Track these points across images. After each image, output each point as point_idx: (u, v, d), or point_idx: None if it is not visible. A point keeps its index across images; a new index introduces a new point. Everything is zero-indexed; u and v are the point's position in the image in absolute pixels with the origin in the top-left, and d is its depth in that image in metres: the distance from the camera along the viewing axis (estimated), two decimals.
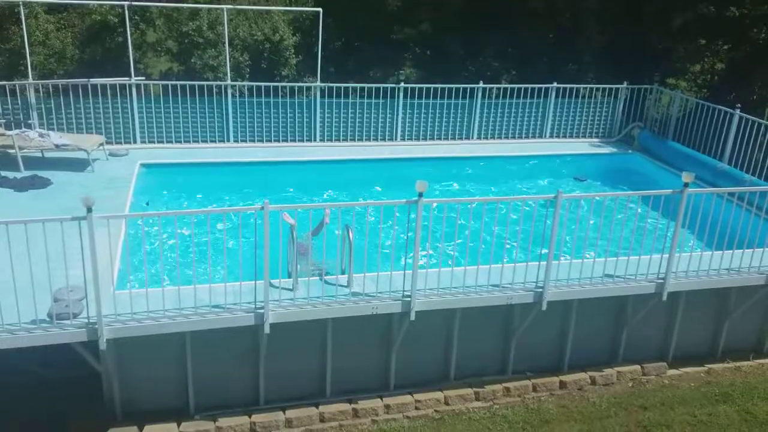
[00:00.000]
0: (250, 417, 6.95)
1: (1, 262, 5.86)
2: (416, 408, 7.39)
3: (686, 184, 7.30)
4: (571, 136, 14.30)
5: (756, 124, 11.10)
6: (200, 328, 6.44)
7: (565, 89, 13.81)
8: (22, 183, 9.85)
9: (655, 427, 7.20)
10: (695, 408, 7.56)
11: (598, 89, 14.36)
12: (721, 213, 8.01)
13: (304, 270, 7.17)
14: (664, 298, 7.71)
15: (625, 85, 13.99)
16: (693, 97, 14.49)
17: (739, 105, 11.80)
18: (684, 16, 15.34)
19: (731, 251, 7.98)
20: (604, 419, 7.33)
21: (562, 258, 7.94)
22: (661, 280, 7.65)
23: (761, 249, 8.12)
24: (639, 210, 9.06)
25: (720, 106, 11.97)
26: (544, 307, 7.32)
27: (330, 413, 7.12)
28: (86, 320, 6.17)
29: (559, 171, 13.32)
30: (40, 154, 10.84)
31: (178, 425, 6.74)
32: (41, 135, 10.83)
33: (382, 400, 7.35)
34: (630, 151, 13.84)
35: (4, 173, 10.08)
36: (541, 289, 7.28)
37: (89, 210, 5.76)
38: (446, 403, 7.50)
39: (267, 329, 6.52)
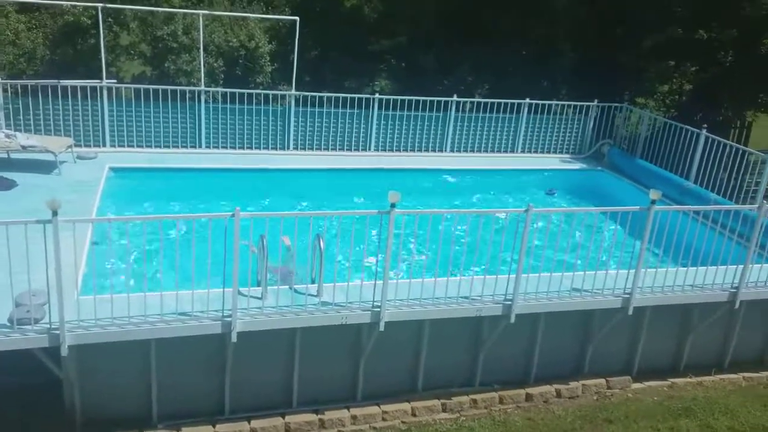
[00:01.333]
0: (214, 427, 6.85)
1: None
2: (383, 419, 7.37)
3: (653, 201, 7.43)
4: (542, 152, 14.48)
5: (722, 144, 11.37)
6: (166, 335, 6.36)
7: (537, 105, 14.00)
8: None
9: None
10: (658, 422, 7.66)
11: (569, 106, 14.60)
12: (686, 230, 8.17)
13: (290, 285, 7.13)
14: (630, 312, 7.82)
15: (595, 102, 14.23)
16: (661, 117, 14.78)
17: (705, 125, 12.08)
18: (654, 38, 15.70)
19: (695, 268, 8.14)
20: None
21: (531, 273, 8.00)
22: (627, 295, 7.76)
23: (724, 266, 8.29)
24: (606, 226, 9.20)
25: (687, 126, 12.24)
26: (513, 319, 7.37)
27: (296, 424, 7.06)
28: (48, 326, 6.04)
29: (529, 185, 13.47)
30: (5, 155, 10.62)
31: None
32: (8, 135, 10.62)
33: (349, 410, 7.32)
34: (599, 168, 14.06)
35: None
36: (510, 302, 7.33)
37: (55, 213, 5.65)
38: (413, 415, 7.49)
39: (234, 338, 6.46)
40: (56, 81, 11.59)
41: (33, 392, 6.77)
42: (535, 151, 14.44)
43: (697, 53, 16.15)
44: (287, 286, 7.13)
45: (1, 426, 6.56)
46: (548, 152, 14.51)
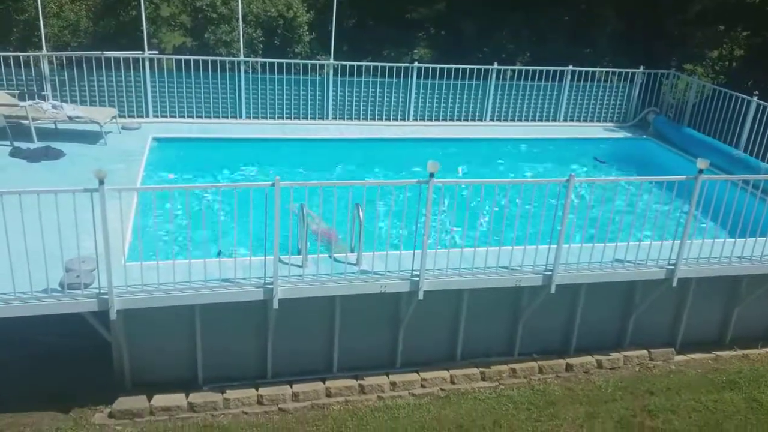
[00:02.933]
0: (257, 389, 7.02)
1: (14, 231, 5.89)
2: (422, 386, 7.43)
3: (701, 171, 7.24)
4: (585, 120, 14.18)
5: None
6: (209, 301, 6.49)
7: (580, 72, 13.66)
8: (35, 154, 9.90)
9: (660, 412, 7.21)
10: (701, 394, 7.56)
11: (613, 73, 14.21)
12: (735, 200, 7.94)
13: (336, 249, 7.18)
14: (674, 284, 7.68)
15: (641, 69, 13.83)
16: (710, 83, 14.30)
17: (756, 92, 11.65)
18: (702, 2, 15.14)
19: (743, 239, 7.92)
20: (609, 402, 7.35)
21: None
22: (672, 266, 7.61)
23: None
24: (652, 196, 9.00)
25: (737, 93, 11.82)
26: (553, 290, 7.31)
27: (336, 388, 7.18)
28: (97, 291, 6.22)
29: (572, 154, 13.22)
30: (53, 126, 10.88)
31: (187, 396, 6.82)
32: (54, 107, 10.85)
33: (388, 377, 7.40)
34: (644, 137, 13.71)
35: (17, 144, 10.13)
36: (550, 272, 7.26)
37: (101, 182, 5.79)
38: (452, 382, 7.54)
39: (276, 305, 6.56)
40: (100, 53, 11.77)
41: (83, 355, 7.01)
42: (578, 120, 14.15)
43: (747, 17, 15.52)
44: (331, 249, 7.15)
45: (56, 386, 6.82)
46: (592, 121, 14.20)
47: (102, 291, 6.19)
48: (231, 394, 6.90)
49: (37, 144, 10.25)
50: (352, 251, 7.33)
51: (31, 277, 6.02)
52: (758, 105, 11.37)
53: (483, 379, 7.64)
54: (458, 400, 7.26)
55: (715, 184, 7.95)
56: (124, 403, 6.66)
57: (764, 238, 8.00)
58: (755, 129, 11.34)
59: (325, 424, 6.72)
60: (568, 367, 7.93)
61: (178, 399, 6.76)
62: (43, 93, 11.44)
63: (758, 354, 8.56)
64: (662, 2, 16.05)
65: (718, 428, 7.00)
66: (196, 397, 6.81)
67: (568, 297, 7.86)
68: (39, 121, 10.57)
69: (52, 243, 6.04)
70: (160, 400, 6.72)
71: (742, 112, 11.66)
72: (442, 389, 7.44)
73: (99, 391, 6.75)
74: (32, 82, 11.48)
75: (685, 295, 8.29)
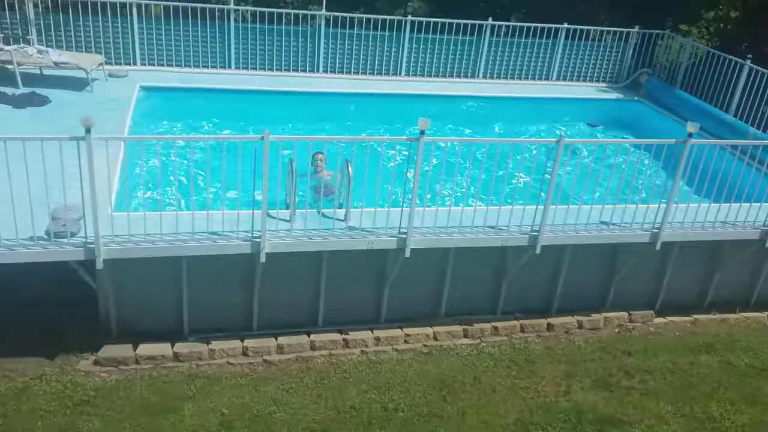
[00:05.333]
0: (242, 341, 7.11)
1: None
2: (405, 342, 7.56)
3: (690, 135, 7.24)
4: (578, 80, 14.10)
5: (766, 76, 10.93)
6: (196, 253, 6.51)
7: (575, 31, 13.51)
8: (20, 100, 9.73)
9: (636, 372, 7.39)
10: (677, 356, 7.75)
11: (608, 32, 14.05)
12: (722, 165, 7.98)
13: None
14: (658, 247, 7.77)
15: (636, 29, 13.69)
16: (704, 45, 14.19)
17: (749, 56, 11.59)
18: None
19: (728, 204, 7.99)
20: (587, 362, 7.51)
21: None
22: (656, 230, 7.69)
23: (758, 204, 8.13)
24: (640, 158, 9.02)
25: (730, 56, 11.76)
26: (538, 250, 7.38)
27: (321, 342, 7.29)
28: (84, 239, 6.22)
29: (564, 114, 13.19)
30: (38, 71, 10.68)
31: (172, 346, 6.90)
32: (40, 51, 10.62)
33: (372, 332, 7.51)
34: (636, 98, 13.68)
35: (2, 89, 9.94)
36: (536, 233, 7.32)
37: (88, 131, 5.72)
38: (435, 339, 7.67)
39: (263, 258, 6.59)
40: None
41: (70, 303, 7.04)
42: (571, 79, 14.07)
43: None
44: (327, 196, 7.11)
45: (41, 333, 6.88)
46: (584, 81, 14.13)
47: (88, 240, 6.19)
48: (216, 344, 7.00)
49: (22, 90, 10.08)
50: (340, 207, 7.34)
51: (17, 224, 5.99)
52: (751, 69, 11.33)
53: (465, 336, 7.78)
54: (440, 356, 7.40)
55: (703, 147, 7.97)
56: (109, 351, 6.74)
57: (748, 204, 8.07)
58: (746, 93, 11.32)
59: (308, 376, 6.84)
60: (549, 327, 8.07)
61: (163, 348, 6.84)
62: (28, 37, 11.18)
63: (736, 318, 8.74)
64: None
65: (691, 389, 7.19)
66: (181, 347, 6.90)
67: (552, 258, 7.94)
68: (24, 67, 10.36)
69: (39, 191, 5.99)
70: (145, 349, 6.80)
71: (735, 76, 11.62)
72: (425, 345, 7.58)
73: (85, 339, 6.81)
74: (17, 25, 11.21)
75: (667, 259, 8.40)
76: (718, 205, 7.97)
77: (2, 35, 10.86)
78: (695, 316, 8.68)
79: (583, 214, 7.58)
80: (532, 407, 6.69)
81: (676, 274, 8.54)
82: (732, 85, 11.68)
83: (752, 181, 8.13)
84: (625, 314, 8.39)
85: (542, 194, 7.20)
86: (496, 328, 7.87)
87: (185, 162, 8.22)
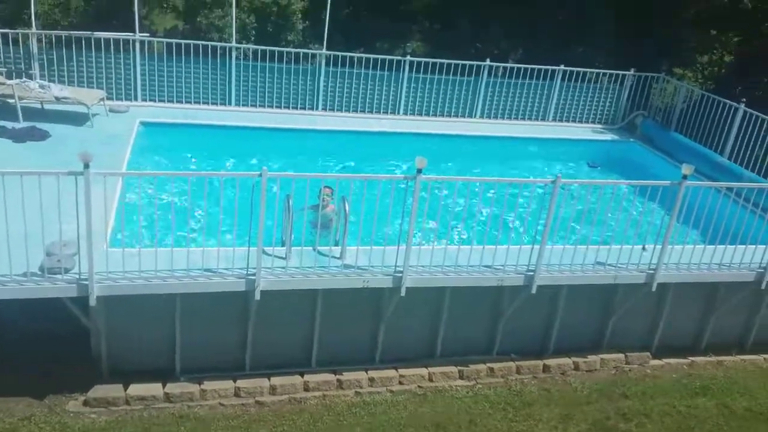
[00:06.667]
0: (235, 382, 7.03)
1: None
2: (400, 383, 7.48)
3: (685, 176, 7.29)
4: (574, 121, 14.24)
5: (759, 119, 11.05)
6: (191, 290, 6.48)
7: (571, 72, 13.70)
8: (21, 134, 9.80)
9: (634, 415, 7.30)
10: (675, 399, 7.67)
11: (604, 74, 14.25)
12: (717, 207, 8.02)
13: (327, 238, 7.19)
14: (653, 288, 7.76)
15: (632, 72, 13.89)
16: (698, 88, 14.38)
17: (744, 99, 11.74)
18: (697, 5, 15.18)
19: (723, 246, 8.01)
20: (584, 405, 7.43)
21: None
22: (652, 271, 7.69)
23: (753, 246, 8.15)
24: (635, 200, 9.07)
25: (725, 100, 11.91)
26: (534, 290, 7.36)
27: (315, 383, 7.20)
28: (77, 276, 6.19)
29: (561, 154, 13.28)
30: (39, 106, 10.76)
31: (164, 386, 6.82)
32: (42, 86, 10.74)
33: (366, 373, 7.44)
34: (632, 140, 13.80)
35: (2, 123, 10.02)
36: (532, 273, 7.31)
37: (86, 165, 5.73)
38: (430, 380, 7.59)
39: (257, 296, 6.56)
40: (90, 33, 11.62)
41: (61, 340, 6.96)
42: (567, 120, 14.21)
43: (740, 23, 15.59)
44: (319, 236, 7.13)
45: (31, 371, 6.79)
46: (580, 122, 14.27)
47: (82, 276, 6.16)
48: (208, 385, 6.91)
49: (22, 123, 10.15)
50: (336, 245, 7.34)
51: (11, 259, 5.97)
52: (745, 112, 11.46)
53: (461, 378, 7.70)
54: (435, 398, 7.32)
55: (698, 190, 8.01)
56: (99, 391, 6.65)
57: (743, 246, 8.09)
58: (741, 136, 11.44)
59: (301, 418, 6.74)
60: (546, 368, 8.00)
61: (154, 389, 6.75)
62: (30, 72, 11.31)
63: (732, 361, 8.69)
64: (656, 5, 16.08)
65: None
66: (172, 388, 6.81)
67: (548, 298, 7.92)
68: (25, 101, 10.45)
69: (34, 226, 5.99)
70: (136, 389, 6.71)
71: (729, 119, 11.75)
72: (420, 386, 7.49)
73: (75, 378, 6.72)
74: (20, 60, 11.34)
75: (663, 301, 8.38)
76: (713, 246, 7.98)
77: (5, 69, 10.98)
78: (691, 357, 8.62)
79: (579, 253, 7.59)
80: None
81: (672, 316, 8.52)
82: (726, 128, 11.80)
83: (747, 223, 8.15)
84: (621, 356, 8.33)
85: (539, 230, 7.19)
86: (492, 369, 7.80)
87: (184, 198, 8.24)
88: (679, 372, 8.33)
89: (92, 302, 6.18)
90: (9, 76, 10.81)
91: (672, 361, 8.51)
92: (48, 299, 6.16)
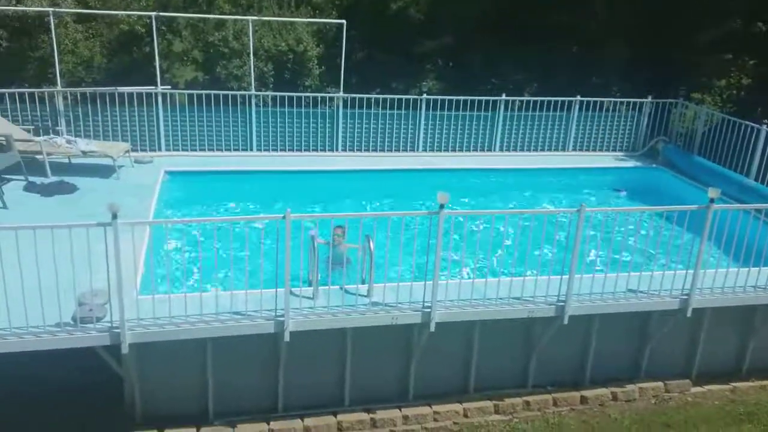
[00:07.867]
0: (268, 424, 6.95)
1: (28, 265, 5.93)
2: (435, 420, 7.34)
3: (712, 200, 7.21)
4: (594, 150, 14.22)
5: None
6: (220, 334, 6.48)
7: (588, 102, 13.74)
8: (49, 188, 10.01)
9: None
10: (719, 427, 7.43)
11: (622, 103, 14.27)
12: (747, 229, 7.89)
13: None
14: (689, 314, 7.60)
15: (649, 99, 13.89)
16: (718, 112, 14.32)
17: (766, 120, 11.65)
18: (711, 32, 15.21)
19: (757, 268, 7.85)
20: None
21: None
22: (686, 296, 7.54)
23: None
24: (663, 225, 8.96)
25: (746, 122, 11.83)
26: (566, 321, 7.25)
27: (348, 422, 7.10)
28: (109, 324, 6.23)
29: (584, 183, 13.22)
30: (67, 161, 11.02)
31: (197, 430, 6.77)
32: (69, 141, 11.01)
33: (400, 410, 7.32)
34: (654, 165, 13.71)
35: (31, 179, 10.25)
36: (563, 303, 7.21)
37: (114, 216, 5.83)
38: (465, 416, 7.45)
39: (287, 337, 6.53)
40: (113, 88, 11.96)
41: (95, 389, 6.98)
42: (587, 150, 14.19)
43: (755, 46, 15.58)
44: (339, 276, 7.12)
45: (64, 421, 6.79)
46: (601, 150, 14.25)
47: (114, 325, 6.20)
48: (241, 428, 6.85)
49: (51, 179, 10.38)
50: (363, 283, 7.32)
51: (44, 311, 6.03)
52: None
53: (496, 412, 7.54)
54: None
55: (727, 213, 7.91)
56: None
57: None
58: (766, 157, 11.31)
59: None
60: (583, 400, 7.82)
61: None
62: (57, 128, 11.63)
63: None
64: (670, 32, 16.15)
65: None
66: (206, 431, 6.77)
67: (581, 328, 7.79)
68: (53, 156, 10.72)
69: (66, 277, 6.06)
70: None
71: (752, 140, 11.65)
72: (455, 423, 7.35)
73: (109, 427, 6.71)
74: (47, 117, 11.67)
75: (700, 326, 8.19)
76: (747, 269, 7.83)
77: (33, 127, 11.29)
78: (734, 383, 8.36)
79: (610, 282, 7.47)
80: None
81: (710, 341, 8.31)
82: (751, 150, 11.69)
83: None
84: (661, 384, 8.11)
85: (567, 258, 7.11)
86: (527, 402, 7.64)
87: (211, 244, 8.31)
88: (721, 398, 8.08)
89: (124, 350, 6.20)
90: (36, 134, 11.11)
91: (713, 387, 8.27)
92: (78, 349, 6.19)
